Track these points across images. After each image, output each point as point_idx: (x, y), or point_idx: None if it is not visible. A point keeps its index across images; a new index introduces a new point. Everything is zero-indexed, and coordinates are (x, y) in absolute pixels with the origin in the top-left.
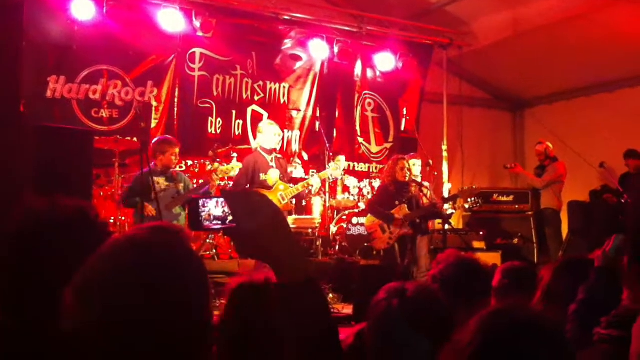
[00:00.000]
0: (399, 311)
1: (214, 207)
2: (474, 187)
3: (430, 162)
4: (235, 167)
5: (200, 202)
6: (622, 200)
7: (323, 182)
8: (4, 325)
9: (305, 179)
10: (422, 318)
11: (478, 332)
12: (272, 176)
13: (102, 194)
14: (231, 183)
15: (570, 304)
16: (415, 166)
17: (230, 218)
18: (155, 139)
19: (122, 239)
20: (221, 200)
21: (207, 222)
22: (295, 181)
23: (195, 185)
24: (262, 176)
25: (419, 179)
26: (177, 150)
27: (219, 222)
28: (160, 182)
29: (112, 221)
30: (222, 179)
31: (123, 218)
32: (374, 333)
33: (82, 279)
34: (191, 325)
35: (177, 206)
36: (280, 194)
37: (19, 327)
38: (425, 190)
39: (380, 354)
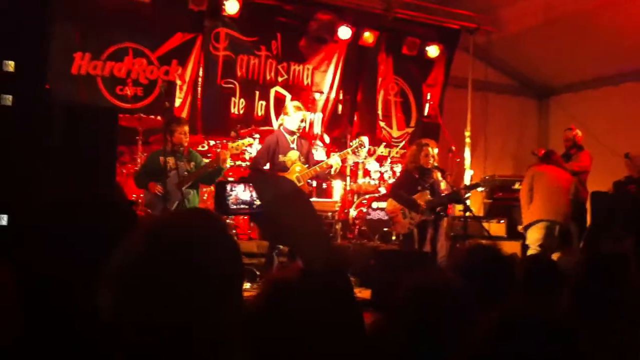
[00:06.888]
0: None
1: (242, 191)
2: (495, 176)
3: (453, 148)
4: (245, 143)
5: (228, 187)
6: None
7: (344, 163)
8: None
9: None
10: None
11: (487, 336)
12: (292, 157)
13: (124, 171)
14: (240, 161)
15: (597, 301)
16: None
17: (257, 203)
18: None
19: (156, 219)
20: (248, 184)
21: (234, 207)
22: (316, 164)
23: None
24: (281, 157)
25: None
26: (185, 128)
27: (247, 207)
28: (170, 161)
29: (134, 198)
30: (240, 155)
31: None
32: None
33: (116, 265)
34: (228, 306)
35: (187, 184)
36: (296, 176)
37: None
38: (446, 176)
39: None
